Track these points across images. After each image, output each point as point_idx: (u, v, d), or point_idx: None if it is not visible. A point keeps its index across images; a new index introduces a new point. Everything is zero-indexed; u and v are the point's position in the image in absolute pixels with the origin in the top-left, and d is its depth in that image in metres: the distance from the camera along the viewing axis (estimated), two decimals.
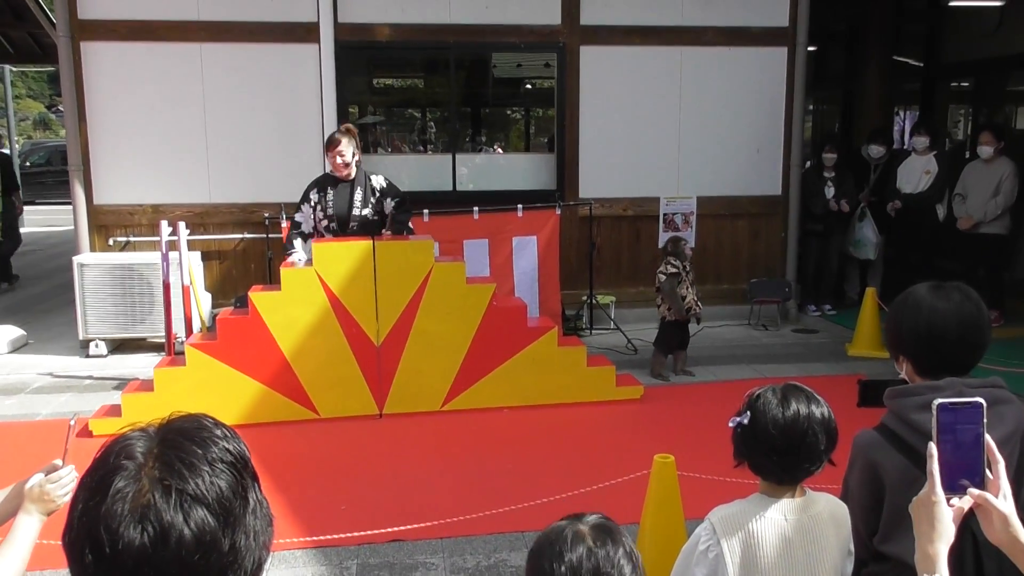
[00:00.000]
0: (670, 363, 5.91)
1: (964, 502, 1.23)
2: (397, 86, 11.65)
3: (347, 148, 5.13)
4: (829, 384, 4.78)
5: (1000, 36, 8.64)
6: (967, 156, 8.87)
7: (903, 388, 1.76)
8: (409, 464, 4.41)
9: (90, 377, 5.93)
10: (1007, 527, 1.22)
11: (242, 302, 5.55)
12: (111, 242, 6.78)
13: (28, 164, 18.97)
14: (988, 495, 1.22)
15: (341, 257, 5.00)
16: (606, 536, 1.30)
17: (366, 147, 9.41)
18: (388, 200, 5.30)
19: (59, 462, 1.71)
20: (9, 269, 9.39)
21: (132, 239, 6.79)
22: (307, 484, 4.14)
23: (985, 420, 1.24)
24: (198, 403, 4.32)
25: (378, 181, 5.31)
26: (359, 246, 5.02)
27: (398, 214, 5.32)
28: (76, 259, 6.39)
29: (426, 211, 6.64)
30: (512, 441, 4.76)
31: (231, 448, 0.93)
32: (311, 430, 4.90)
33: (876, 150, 7.78)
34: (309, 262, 5.06)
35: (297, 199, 5.36)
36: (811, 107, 11.72)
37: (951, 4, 9.06)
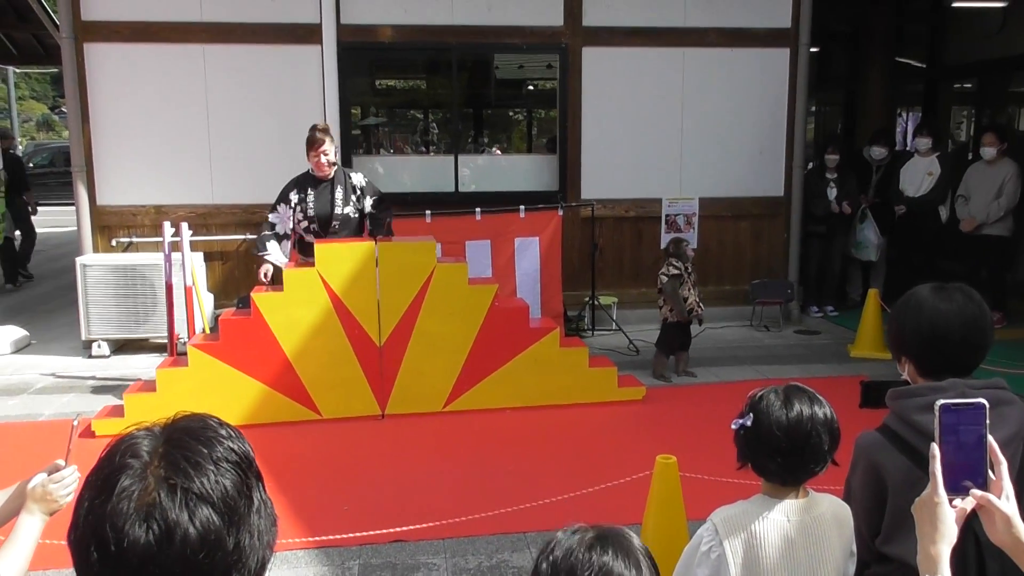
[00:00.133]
0: (672, 364, 5.90)
1: (967, 503, 1.23)
2: (399, 87, 11.66)
3: (330, 147, 5.14)
4: (831, 385, 4.78)
5: (1003, 37, 8.64)
6: (970, 158, 8.86)
7: (905, 389, 1.76)
8: (411, 465, 4.41)
9: (93, 378, 5.94)
10: (1010, 528, 1.22)
11: (244, 303, 5.57)
12: (114, 243, 6.79)
13: (31, 165, 18.99)
14: (991, 496, 1.22)
15: (343, 258, 5.00)
16: (607, 544, 1.27)
17: (368, 148, 9.44)
18: (368, 198, 5.29)
19: (61, 462, 1.71)
20: (25, 268, 9.64)
21: (135, 240, 6.80)
22: (309, 484, 4.14)
23: (988, 421, 1.24)
24: (200, 404, 4.31)
25: (358, 178, 5.31)
26: (361, 247, 5.03)
27: (379, 213, 5.31)
28: (79, 260, 6.41)
29: (428, 212, 6.65)
30: (514, 442, 4.76)
31: (236, 448, 0.93)
32: (313, 431, 4.90)
33: (878, 151, 7.78)
34: (306, 264, 5.06)
35: None
36: (813, 108, 11.72)
37: (954, 5, 9.06)
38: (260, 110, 6.76)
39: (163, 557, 0.85)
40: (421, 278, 5.06)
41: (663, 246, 6.69)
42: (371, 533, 3.54)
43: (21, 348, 6.71)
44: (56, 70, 20.26)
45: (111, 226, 6.78)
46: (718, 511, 1.79)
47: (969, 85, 10.34)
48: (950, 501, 1.21)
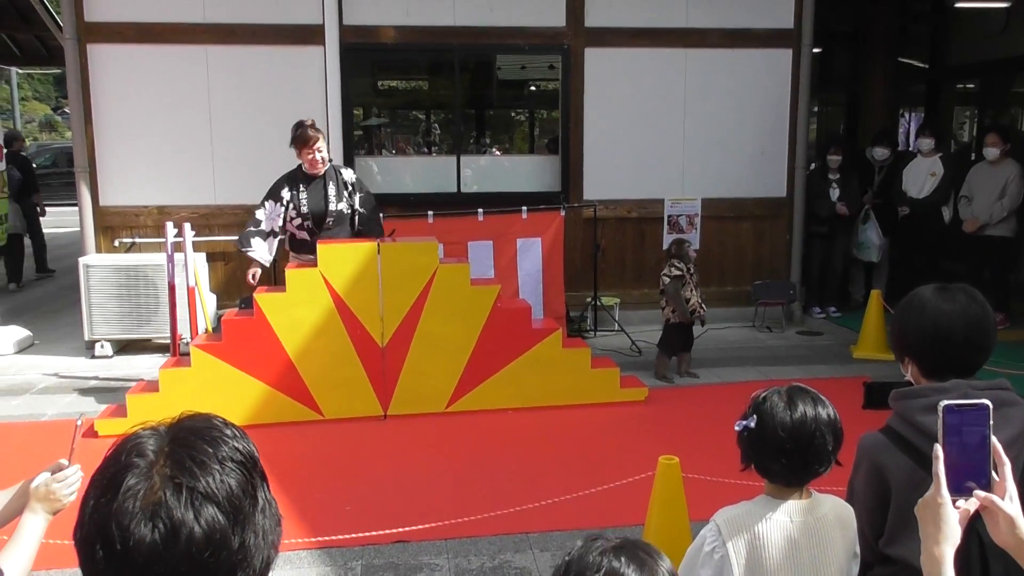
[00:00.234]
0: (674, 365, 5.90)
1: (970, 504, 1.23)
2: (401, 88, 11.66)
3: (323, 144, 5.15)
4: (834, 386, 4.78)
5: (1006, 37, 8.62)
6: (973, 158, 8.85)
7: (908, 390, 1.75)
8: (413, 465, 4.42)
9: (95, 378, 5.95)
10: (1013, 529, 1.21)
11: (247, 303, 5.57)
12: (117, 243, 6.80)
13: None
14: (994, 497, 1.22)
15: (346, 259, 5.00)
16: (621, 552, 1.24)
17: (371, 149, 9.45)
18: (357, 195, 5.30)
19: (65, 461, 1.71)
20: (45, 266, 9.86)
21: (138, 240, 6.81)
22: (311, 485, 4.14)
23: (991, 422, 1.23)
24: (203, 404, 4.31)
25: (349, 175, 5.32)
26: (364, 247, 5.03)
27: (369, 213, 5.33)
28: (82, 260, 6.42)
29: (431, 213, 6.66)
30: (516, 442, 4.76)
31: (241, 447, 0.94)
32: (315, 431, 4.91)
33: (881, 152, 7.77)
34: (306, 263, 5.06)
35: None
36: (816, 109, 11.71)
37: (956, 5, 9.04)
38: (263, 111, 6.76)
39: (168, 556, 0.85)
40: (424, 279, 5.06)
41: (665, 247, 6.69)
42: (373, 533, 3.54)
43: (24, 348, 6.72)
44: (59, 71, 20.29)
45: (114, 227, 6.80)
46: (721, 512, 1.79)
47: (972, 85, 10.33)
48: (953, 502, 1.21)
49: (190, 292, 5.78)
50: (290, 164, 6.95)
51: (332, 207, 5.18)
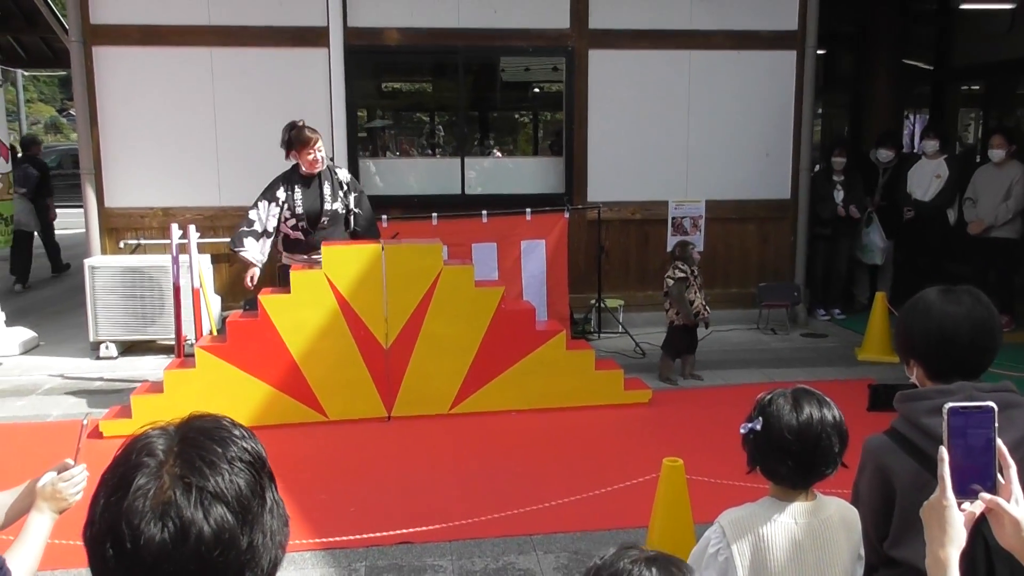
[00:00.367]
0: (678, 367, 5.90)
1: (975, 507, 1.22)
2: (405, 90, 11.67)
3: (321, 144, 5.15)
4: (839, 388, 4.77)
5: (1011, 38, 8.61)
6: (978, 160, 8.84)
7: (913, 392, 1.75)
8: (417, 467, 4.42)
9: (100, 379, 5.97)
10: (1019, 532, 1.21)
11: (251, 304, 5.57)
12: (122, 245, 6.82)
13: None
14: (1000, 500, 1.22)
15: (350, 260, 5.01)
16: (654, 563, 1.18)
17: (375, 151, 9.46)
18: (352, 195, 5.31)
19: (71, 461, 1.72)
20: (60, 264, 9.95)
21: (143, 242, 6.83)
22: (315, 486, 4.15)
23: (996, 424, 1.23)
24: (208, 405, 4.30)
25: (343, 174, 5.34)
26: (368, 249, 5.04)
27: (365, 214, 5.34)
28: (87, 262, 6.43)
29: (435, 214, 6.66)
30: (520, 444, 4.76)
31: (249, 448, 0.94)
32: (319, 432, 4.91)
33: (885, 154, 7.76)
34: (306, 263, 5.07)
35: None
36: (820, 111, 11.70)
37: (961, 7, 9.03)
38: (267, 113, 6.76)
39: (178, 555, 0.86)
40: (428, 280, 5.07)
41: (669, 249, 6.69)
42: (377, 535, 3.54)
43: (29, 349, 6.74)
44: (64, 73, 20.35)
45: (119, 228, 6.81)
46: (725, 513, 1.79)
47: (977, 87, 10.32)
48: (959, 505, 1.21)
49: (195, 294, 5.79)
50: None
51: (327, 207, 5.19)
